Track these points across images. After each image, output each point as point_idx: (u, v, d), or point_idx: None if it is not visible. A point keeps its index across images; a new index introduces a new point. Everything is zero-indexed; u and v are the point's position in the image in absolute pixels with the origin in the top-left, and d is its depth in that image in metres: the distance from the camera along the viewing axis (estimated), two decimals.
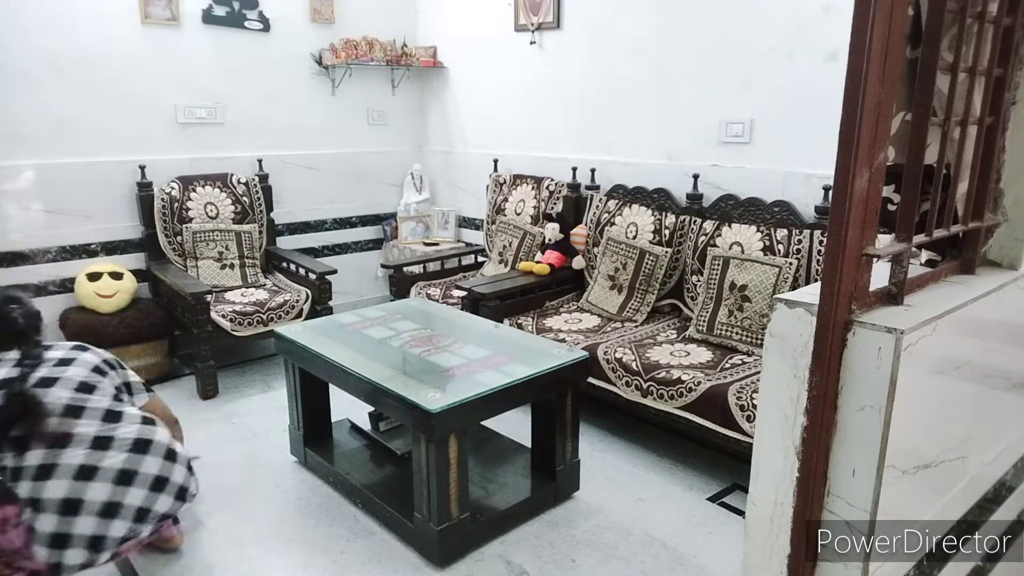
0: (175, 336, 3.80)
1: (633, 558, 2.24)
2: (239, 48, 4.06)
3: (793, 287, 2.74)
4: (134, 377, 2.10)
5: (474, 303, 3.32)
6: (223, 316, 3.40)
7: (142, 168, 3.77)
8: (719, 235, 3.06)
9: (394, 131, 4.82)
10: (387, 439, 2.75)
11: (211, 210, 3.90)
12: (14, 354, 1.87)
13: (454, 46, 4.59)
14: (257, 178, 4.12)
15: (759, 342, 2.75)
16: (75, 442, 1.78)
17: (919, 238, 1.18)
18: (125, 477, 1.81)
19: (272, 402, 3.37)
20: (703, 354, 2.82)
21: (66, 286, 3.63)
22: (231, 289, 3.78)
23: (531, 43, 4.03)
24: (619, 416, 3.10)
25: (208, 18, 3.91)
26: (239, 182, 4.02)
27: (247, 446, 2.98)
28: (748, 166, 3.18)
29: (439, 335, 2.73)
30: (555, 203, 3.87)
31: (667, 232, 3.29)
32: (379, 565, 2.23)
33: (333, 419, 2.88)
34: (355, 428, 2.88)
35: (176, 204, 3.81)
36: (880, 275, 1.13)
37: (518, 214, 4.01)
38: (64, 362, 1.90)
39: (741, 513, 2.41)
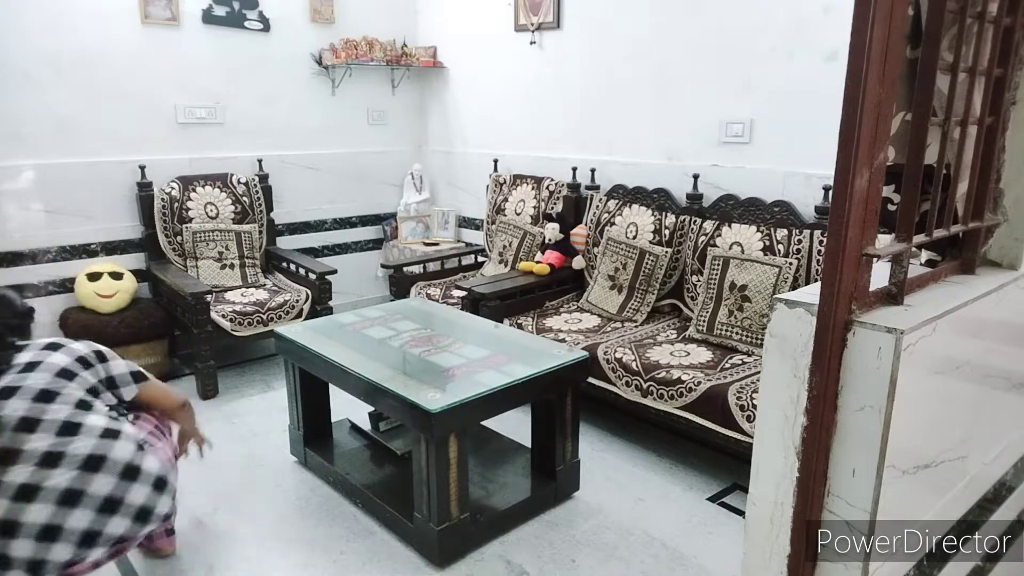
0: (175, 336, 3.81)
1: (633, 558, 2.24)
2: (239, 48, 4.06)
3: (793, 287, 2.74)
4: (120, 368, 1.92)
5: (474, 303, 3.32)
6: (223, 316, 3.40)
7: (142, 168, 3.77)
8: (719, 235, 3.06)
9: (394, 131, 4.82)
10: (387, 439, 2.75)
11: (211, 210, 3.90)
12: None
13: (454, 46, 4.59)
14: (257, 178, 4.12)
15: (759, 342, 2.75)
16: (23, 459, 1.65)
17: (919, 238, 1.18)
18: (70, 498, 1.67)
19: (272, 402, 3.37)
20: (703, 354, 2.82)
21: (66, 286, 3.63)
22: (231, 289, 3.78)
23: (531, 43, 4.03)
24: (619, 416, 3.10)
25: (208, 18, 3.91)
26: (239, 182, 4.02)
27: (247, 446, 2.98)
28: (748, 166, 3.18)
29: (439, 335, 2.73)
30: (555, 203, 3.87)
31: (667, 232, 3.29)
32: (379, 565, 2.23)
33: (333, 419, 2.88)
34: (355, 428, 2.88)
35: (176, 204, 3.81)
36: (880, 275, 1.13)
37: (518, 214, 4.01)
38: (30, 367, 1.76)
39: (741, 513, 2.41)
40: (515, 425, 2.83)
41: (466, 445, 2.19)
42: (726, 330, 2.89)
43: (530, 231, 3.89)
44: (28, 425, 1.68)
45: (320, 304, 3.67)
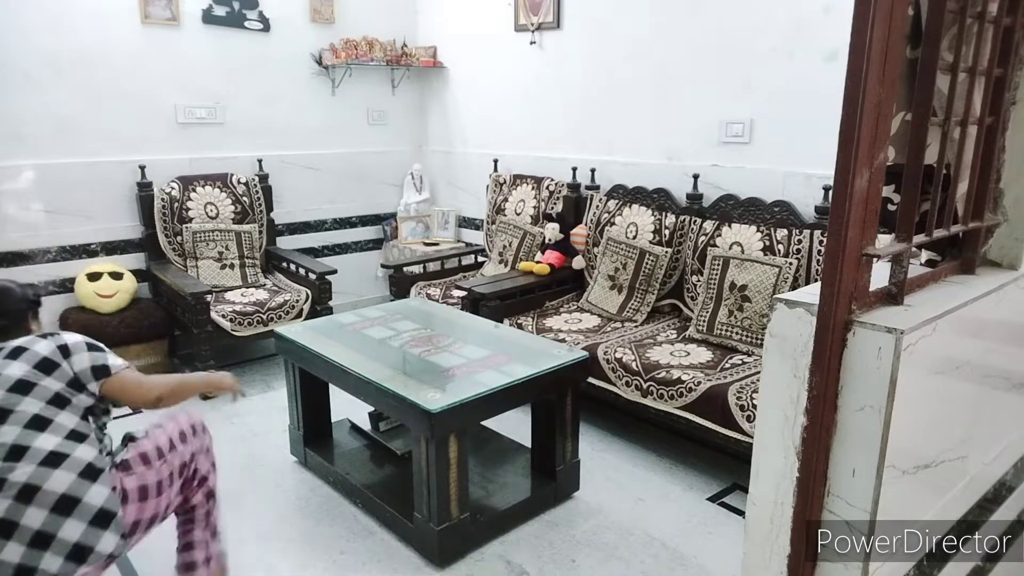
0: (175, 336, 3.81)
1: (633, 558, 2.24)
2: (239, 48, 4.06)
3: (793, 287, 2.74)
4: (83, 363, 1.69)
5: (474, 303, 3.32)
6: (223, 316, 3.40)
7: (142, 168, 3.77)
8: (719, 235, 3.06)
9: (394, 131, 4.82)
10: (387, 439, 2.75)
11: (211, 210, 3.90)
12: None
13: (454, 46, 4.59)
14: (257, 178, 4.12)
15: (759, 342, 2.75)
16: None
17: (919, 238, 1.18)
18: (4, 529, 1.50)
19: (272, 402, 3.37)
20: (703, 354, 2.82)
21: (66, 286, 3.63)
22: (231, 289, 3.78)
23: (531, 43, 4.03)
24: (619, 416, 3.10)
25: (208, 18, 3.91)
26: (239, 182, 4.02)
27: (247, 446, 2.98)
28: (748, 166, 3.18)
29: (439, 335, 2.73)
30: (555, 203, 3.87)
31: (667, 232, 3.29)
32: (379, 565, 2.23)
33: (333, 419, 2.88)
34: (355, 428, 2.88)
35: (176, 204, 3.81)
36: (880, 275, 1.13)
37: (518, 214, 4.01)
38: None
39: (741, 513, 2.41)
40: (515, 425, 2.83)
41: (466, 445, 2.19)
42: (726, 330, 2.89)
43: (530, 231, 3.89)
44: None
45: (320, 304, 3.67)
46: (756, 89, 3.11)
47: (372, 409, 2.78)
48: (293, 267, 3.95)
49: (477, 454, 2.67)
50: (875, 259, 1.07)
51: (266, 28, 4.12)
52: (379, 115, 4.72)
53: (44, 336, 1.72)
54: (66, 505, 1.54)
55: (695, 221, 3.21)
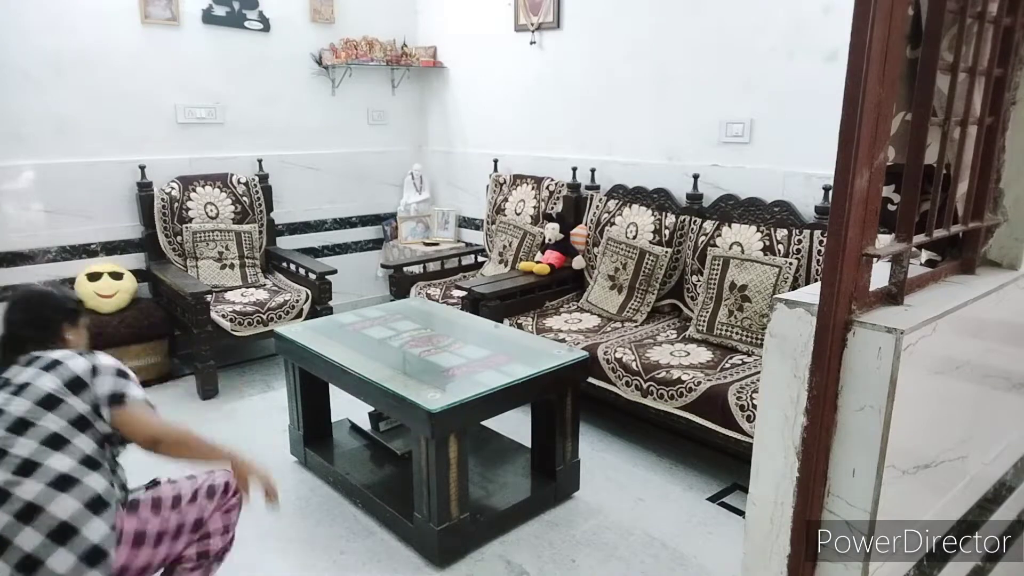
0: (175, 336, 3.80)
1: (633, 558, 2.24)
2: (239, 48, 4.06)
3: (793, 287, 2.74)
4: (105, 387, 1.65)
5: (474, 303, 3.32)
6: (223, 316, 3.40)
7: (142, 168, 3.77)
8: (719, 235, 3.06)
9: (394, 131, 4.82)
10: (387, 439, 2.75)
11: (211, 210, 3.90)
12: None
13: (454, 46, 4.59)
14: (257, 178, 4.12)
15: (759, 342, 2.75)
16: None
17: (919, 238, 1.18)
18: None
19: (272, 402, 3.37)
20: (703, 354, 2.82)
21: (66, 286, 3.63)
22: (231, 289, 3.78)
23: (531, 43, 4.03)
24: (619, 416, 3.10)
25: (208, 18, 3.91)
26: (239, 182, 4.02)
27: (247, 446, 2.94)
28: (748, 166, 3.18)
29: (439, 335, 2.73)
30: (555, 203, 3.87)
31: (667, 232, 3.29)
32: (379, 565, 2.23)
33: (333, 419, 2.88)
34: (355, 428, 2.88)
35: (176, 204, 3.81)
36: (880, 275, 1.13)
37: (518, 214, 4.01)
38: (19, 389, 1.58)
39: (741, 513, 2.41)
40: (515, 425, 2.83)
41: (466, 445, 2.19)
42: (726, 330, 2.89)
43: (530, 231, 3.89)
44: None
45: (320, 304, 3.67)
46: (756, 89, 3.11)
47: (372, 409, 2.78)
48: (293, 267, 3.95)
49: (477, 454, 2.67)
50: (875, 259, 1.07)
51: (266, 28, 4.12)
52: (379, 115, 4.72)
53: (81, 353, 1.68)
54: (63, 534, 1.49)
55: (695, 221, 3.21)
